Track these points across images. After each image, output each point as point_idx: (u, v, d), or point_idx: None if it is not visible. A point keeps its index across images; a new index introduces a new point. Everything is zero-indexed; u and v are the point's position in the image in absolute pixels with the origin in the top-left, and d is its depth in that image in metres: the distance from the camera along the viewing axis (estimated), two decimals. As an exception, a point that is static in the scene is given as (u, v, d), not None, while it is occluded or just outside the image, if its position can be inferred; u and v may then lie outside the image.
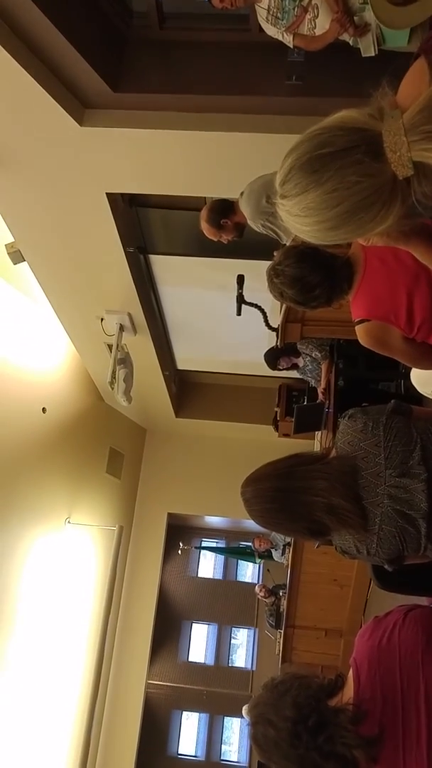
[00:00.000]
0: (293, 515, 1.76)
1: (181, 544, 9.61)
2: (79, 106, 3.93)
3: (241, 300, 3.99)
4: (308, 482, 1.73)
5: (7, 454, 6.46)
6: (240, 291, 3.98)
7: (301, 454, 1.86)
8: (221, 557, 10.23)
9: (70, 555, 7.58)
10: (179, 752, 9.45)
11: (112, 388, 6.37)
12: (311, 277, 2.11)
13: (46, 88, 3.65)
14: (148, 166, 4.26)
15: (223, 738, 9.59)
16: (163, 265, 5.83)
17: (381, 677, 1.50)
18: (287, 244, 3.36)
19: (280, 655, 6.68)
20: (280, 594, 7.54)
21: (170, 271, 5.95)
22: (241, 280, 3.99)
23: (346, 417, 1.86)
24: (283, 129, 3.73)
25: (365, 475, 1.73)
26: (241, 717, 8.17)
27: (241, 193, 3.44)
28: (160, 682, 9.22)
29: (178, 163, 4.19)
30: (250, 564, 9.90)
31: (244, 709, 7.55)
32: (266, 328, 4.17)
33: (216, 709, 9.49)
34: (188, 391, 8.86)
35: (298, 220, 1.16)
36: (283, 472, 1.79)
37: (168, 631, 9.41)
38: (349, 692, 1.53)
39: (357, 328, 2.11)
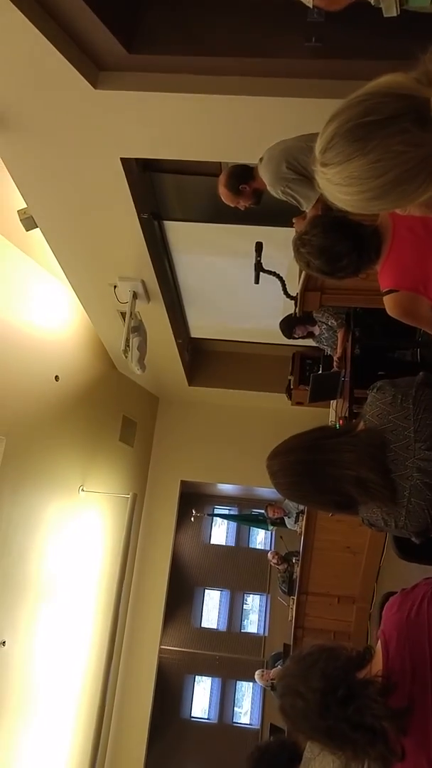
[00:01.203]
0: (320, 488, 1.76)
1: (194, 512, 9.71)
2: (94, 67, 3.85)
3: (259, 268, 3.95)
4: (336, 455, 1.73)
5: (20, 422, 6.52)
6: (258, 258, 3.94)
7: (327, 427, 1.87)
8: (234, 524, 10.35)
9: (83, 522, 7.68)
10: (192, 715, 9.68)
11: (126, 357, 6.37)
12: (339, 247, 2.09)
13: (59, 48, 3.57)
14: (164, 131, 4.20)
15: (236, 701, 9.80)
16: (177, 232, 5.79)
17: (410, 649, 1.52)
18: (307, 211, 3.32)
19: (293, 621, 6.79)
20: (293, 561, 7.64)
21: (185, 237, 5.90)
22: (259, 247, 3.95)
23: (375, 389, 1.85)
24: (303, 92, 3.65)
25: (394, 449, 1.72)
26: (253, 681, 8.33)
27: (261, 159, 3.39)
28: (173, 648, 9.41)
29: (195, 128, 4.12)
30: (263, 531, 10.01)
31: (257, 674, 7.71)
32: (284, 296, 4.15)
33: (228, 673, 9.69)
34: (201, 359, 8.87)
35: (339, 189, 1.13)
36: (311, 445, 1.78)
37: (181, 597, 9.56)
38: (378, 665, 1.55)
39: (385, 298, 2.09)
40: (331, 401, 5.55)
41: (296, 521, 7.44)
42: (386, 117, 1.04)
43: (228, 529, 10.55)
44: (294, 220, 3.60)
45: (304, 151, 3.19)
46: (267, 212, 4.06)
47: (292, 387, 7.42)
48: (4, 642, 6.34)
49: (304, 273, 3.53)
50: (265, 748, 2.38)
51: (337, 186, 1.13)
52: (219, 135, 4.16)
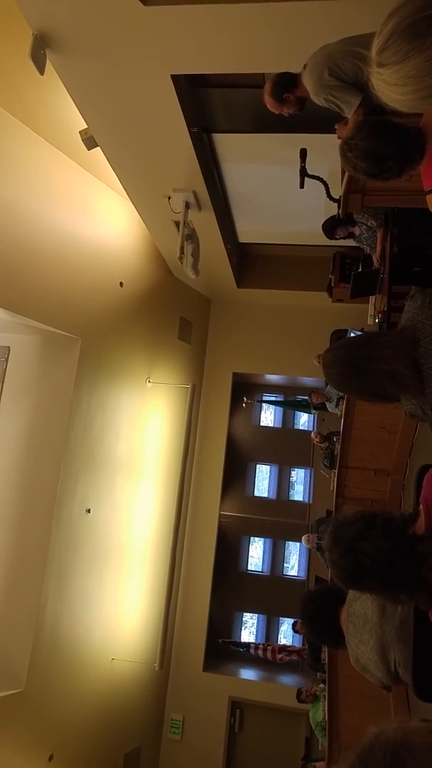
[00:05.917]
0: (363, 382, 1.81)
1: (245, 399, 9.87)
2: (142, -16, 3.63)
3: (303, 173, 3.80)
4: (376, 351, 1.78)
5: (92, 324, 6.68)
6: (303, 164, 3.78)
7: (377, 332, 1.88)
8: (280, 409, 10.50)
9: (151, 409, 7.96)
10: (248, 569, 10.25)
11: (182, 263, 6.35)
12: (384, 150, 1.98)
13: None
14: (213, 45, 3.98)
15: (285, 558, 10.31)
16: (225, 143, 5.58)
17: None
18: (349, 116, 3.15)
19: (335, 490, 7.00)
20: (334, 440, 7.77)
21: (233, 148, 5.68)
22: (303, 153, 3.78)
23: (409, 298, 1.86)
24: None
25: (423, 345, 1.75)
26: (299, 542, 8.73)
27: (304, 66, 3.18)
28: (231, 513, 9.87)
29: (243, 39, 3.88)
30: (306, 414, 10.15)
31: (304, 538, 8.05)
32: (328, 199, 4.01)
33: (278, 535, 10.12)
34: (248, 262, 8.74)
35: (395, 90, 1.04)
36: (359, 342, 1.85)
37: (236, 471, 9.89)
38: (421, 526, 1.60)
39: (428, 197, 2.00)
40: (370, 297, 5.45)
41: (337, 405, 7.51)
42: None
43: (275, 413, 10.71)
44: (336, 126, 3.42)
45: (347, 56, 2.98)
46: (310, 119, 3.85)
47: (332, 285, 7.27)
48: (89, 510, 6.79)
49: (346, 176, 3.38)
50: (315, 591, 2.51)
51: (393, 86, 1.04)
52: (267, 44, 3.92)
